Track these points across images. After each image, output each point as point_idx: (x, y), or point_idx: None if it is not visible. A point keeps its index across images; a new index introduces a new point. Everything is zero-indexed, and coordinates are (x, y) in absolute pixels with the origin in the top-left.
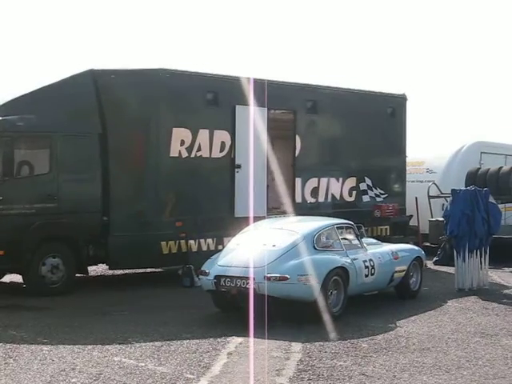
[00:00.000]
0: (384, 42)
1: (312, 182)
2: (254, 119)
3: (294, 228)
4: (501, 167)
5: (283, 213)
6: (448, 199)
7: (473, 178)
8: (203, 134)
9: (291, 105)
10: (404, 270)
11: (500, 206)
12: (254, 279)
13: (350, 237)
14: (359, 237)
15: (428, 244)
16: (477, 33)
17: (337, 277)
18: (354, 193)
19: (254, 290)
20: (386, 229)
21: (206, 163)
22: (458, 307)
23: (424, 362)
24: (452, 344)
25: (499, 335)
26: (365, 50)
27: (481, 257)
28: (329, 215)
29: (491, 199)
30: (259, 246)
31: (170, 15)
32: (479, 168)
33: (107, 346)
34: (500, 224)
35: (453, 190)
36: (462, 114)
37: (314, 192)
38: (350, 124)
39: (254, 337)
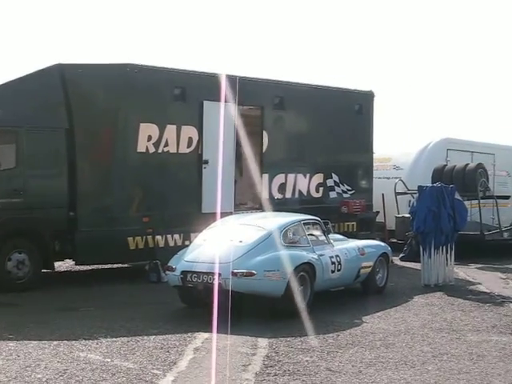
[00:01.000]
0: (352, 39)
1: (279, 178)
2: (221, 115)
3: (260, 224)
4: (467, 164)
5: (250, 209)
6: (414, 196)
7: (439, 174)
8: (170, 130)
9: (259, 101)
10: (370, 266)
11: (466, 202)
12: (220, 275)
13: (317, 233)
14: (326, 233)
15: (394, 240)
16: (443, 30)
17: (303, 273)
18: (321, 189)
19: (221, 285)
20: (353, 225)
21: (173, 159)
22: (424, 303)
23: (389, 357)
24: (417, 339)
25: (464, 331)
26: (333, 46)
27: (446, 253)
28: (296, 211)
29: (457, 196)
30: (226, 242)
31: (144, 11)
32: (445, 165)
33: (73, 342)
34: (466, 220)
35: (419, 187)
36: (428, 111)
37: (282, 188)
38: (318, 120)
39: (221, 332)
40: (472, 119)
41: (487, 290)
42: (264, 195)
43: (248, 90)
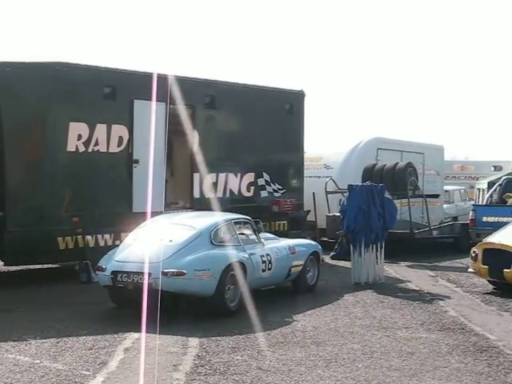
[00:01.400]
0: (283, 39)
1: (210, 178)
2: (152, 114)
3: (191, 223)
4: (397, 163)
5: (181, 208)
6: (345, 194)
7: (369, 173)
8: (101, 129)
9: (190, 100)
10: (301, 265)
11: (396, 201)
12: (150, 274)
13: (248, 232)
14: (257, 232)
15: (325, 239)
16: (370, 30)
17: (234, 272)
18: (252, 188)
19: (151, 285)
20: (284, 224)
21: (103, 158)
22: (354, 301)
23: (320, 355)
24: (348, 337)
25: (394, 328)
26: (265, 46)
27: (377, 251)
28: (227, 210)
29: (387, 195)
30: (156, 242)
31: (76, 9)
32: (376, 164)
33: (1, 344)
34: (395, 219)
35: (349, 186)
36: (359, 111)
37: (213, 187)
38: (249, 119)
39: (151, 332)
40: (402, 118)
41: (417, 288)
42: (195, 194)
43: (179, 89)
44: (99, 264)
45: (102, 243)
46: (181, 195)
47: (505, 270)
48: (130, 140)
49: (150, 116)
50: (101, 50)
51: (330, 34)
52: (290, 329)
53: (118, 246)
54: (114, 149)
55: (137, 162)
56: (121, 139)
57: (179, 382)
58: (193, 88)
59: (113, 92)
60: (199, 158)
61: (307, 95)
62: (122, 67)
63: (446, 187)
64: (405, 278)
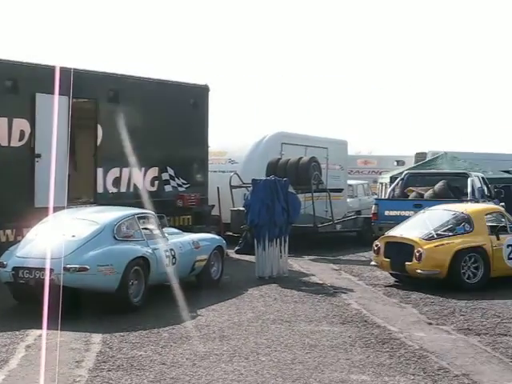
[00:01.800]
0: (189, 33)
1: (114, 172)
2: (55, 108)
3: (93, 218)
4: (300, 158)
5: (84, 203)
6: (249, 189)
7: (273, 168)
8: (1, 123)
9: (93, 94)
10: (205, 259)
11: (300, 195)
12: (52, 270)
13: (151, 227)
14: (160, 226)
15: (230, 233)
16: (278, 23)
17: (137, 267)
18: (157, 183)
19: (53, 281)
20: (189, 218)
21: (4, 152)
22: (258, 295)
23: (224, 349)
24: (252, 331)
25: (297, 321)
26: (170, 40)
27: (280, 245)
28: (131, 205)
29: (291, 189)
30: (58, 237)
31: None
32: (280, 158)
33: None
34: (299, 213)
35: (253, 180)
36: (263, 105)
37: (116, 182)
38: (153, 114)
39: (54, 329)
40: (305, 113)
41: (320, 281)
42: (98, 189)
43: (82, 83)
44: (0, 260)
45: (3, 239)
46: (84, 190)
47: (406, 263)
48: (32, 134)
49: (53, 110)
50: (3, 42)
51: (232, 28)
52: (193, 323)
53: (19, 241)
54: (15, 143)
55: (39, 156)
56: (22, 133)
57: (82, 379)
58: (96, 82)
59: (14, 85)
60: (103, 153)
61: (212, 89)
62: (24, 60)
63: (350, 181)
64: (308, 272)
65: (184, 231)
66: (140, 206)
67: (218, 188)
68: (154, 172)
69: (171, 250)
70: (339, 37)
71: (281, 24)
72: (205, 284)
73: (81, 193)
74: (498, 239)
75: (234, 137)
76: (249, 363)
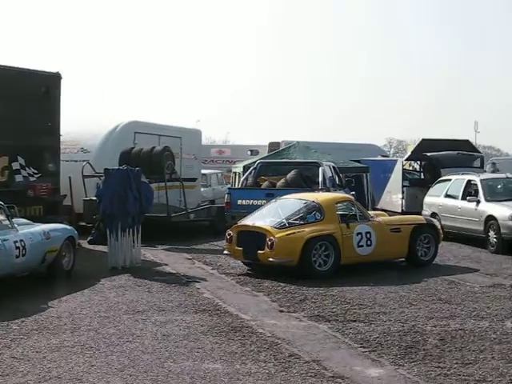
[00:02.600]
0: (38, 20)
1: None
2: None
3: None
4: (154, 147)
5: None
6: (102, 178)
7: (126, 157)
8: None
9: None
10: (56, 250)
11: (153, 185)
12: None
13: (0, 217)
14: (10, 217)
15: (83, 223)
16: (125, 13)
17: None
18: (7, 172)
19: None
20: (40, 209)
21: None
22: (111, 285)
23: (75, 341)
24: (104, 322)
25: (150, 311)
26: (21, 27)
27: (133, 235)
28: None
29: (143, 178)
30: None
31: None
32: (133, 148)
33: None
34: (152, 203)
35: (105, 170)
36: (117, 94)
37: None
38: (1, 101)
39: None
40: (157, 103)
41: (173, 271)
42: None
43: None
44: None
45: None
46: None
47: (259, 252)
48: None
49: None
50: None
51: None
52: (44, 315)
53: None
54: None
55: None
56: None
57: None
58: None
59: None
60: None
61: (63, 77)
62: None
63: (204, 171)
64: (162, 262)
65: (35, 222)
66: None
67: (70, 178)
68: (3, 161)
69: (21, 240)
70: (182, 22)
71: (133, 12)
72: (56, 275)
73: None
74: (349, 227)
75: (86, 126)
76: (100, 354)
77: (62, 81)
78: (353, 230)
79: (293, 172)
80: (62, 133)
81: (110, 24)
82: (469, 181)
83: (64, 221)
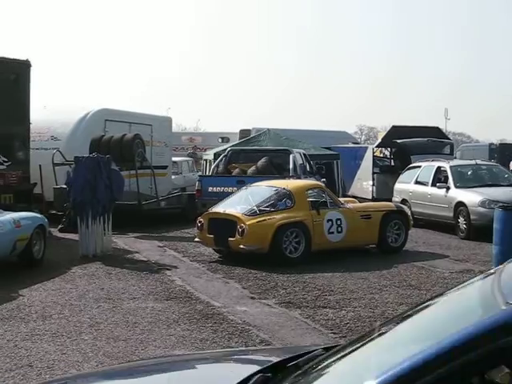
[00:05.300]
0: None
1: None
2: None
3: None
4: (124, 135)
5: None
6: (72, 166)
7: (97, 145)
8: None
9: None
10: (27, 238)
11: (124, 172)
12: None
13: None
14: None
15: (53, 211)
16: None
17: None
18: None
19: None
20: (10, 197)
21: None
22: (82, 273)
23: (46, 329)
24: (75, 310)
25: (121, 299)
26: None
27: (104, 223)
28: None
29: (114, 166)
30: None
31: None
32: (103, 135)
33: None
34: (122, 190)
35: (75, 158)
36: (86, 82)
37: None
38: None
39: None
40: (127, 91)
41: (145, 259)
42: None
43: None
44: None
45: None
46: None
47: (229, 239)
48: None
49: None
50: None
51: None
52: (15, 304)
53: None
54: None
55: None
56: None
57: None
58: None
59: None
60: None
61: (33, 65)
62: None
63: (175, 158)
64: (133, 249)
65: (5, 210)
66: None
67: (40, 166)
68: None
69: None
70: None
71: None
72: (27, 263)
73: None
74: (319, 214)
75: (56, 113)
76: (71, 342)
77: (32, 68)
78: (323, 217)
79: (263, 159)
80: (31, 121)
81: (77, 12)
82: (439, 167)
83: (34, 209)
